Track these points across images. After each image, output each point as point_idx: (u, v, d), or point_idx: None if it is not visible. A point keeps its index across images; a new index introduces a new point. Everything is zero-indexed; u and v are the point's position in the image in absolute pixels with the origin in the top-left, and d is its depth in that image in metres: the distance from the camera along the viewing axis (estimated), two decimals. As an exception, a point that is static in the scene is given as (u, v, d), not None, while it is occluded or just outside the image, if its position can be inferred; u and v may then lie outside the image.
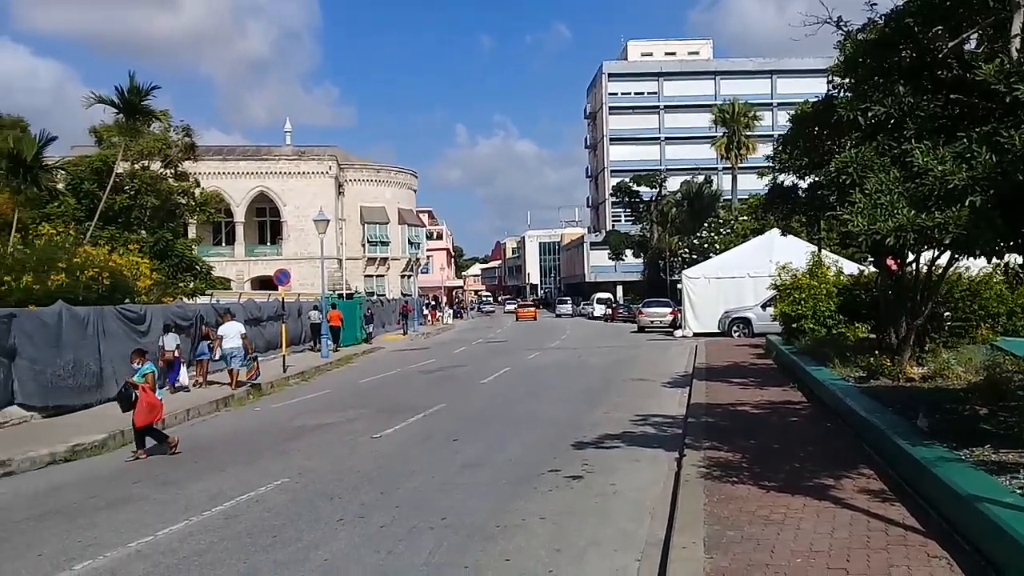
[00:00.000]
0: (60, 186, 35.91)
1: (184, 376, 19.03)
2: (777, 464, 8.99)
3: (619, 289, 78.45)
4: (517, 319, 65.54)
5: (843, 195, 7.42)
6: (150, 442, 12.19)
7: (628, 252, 72.85)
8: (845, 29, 9.13)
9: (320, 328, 29.41)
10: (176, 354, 18.65)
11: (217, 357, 19.70)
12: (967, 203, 5.96)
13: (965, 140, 6.08)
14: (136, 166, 37.67)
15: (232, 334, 19.38)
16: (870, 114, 7.52)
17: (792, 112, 14.98)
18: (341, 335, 32.18)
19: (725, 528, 6.78)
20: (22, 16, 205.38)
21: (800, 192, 14.21)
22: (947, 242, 6.60)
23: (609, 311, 59.02)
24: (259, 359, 21.06)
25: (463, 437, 12.42)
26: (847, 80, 10.15)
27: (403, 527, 7.68)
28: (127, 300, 21.14)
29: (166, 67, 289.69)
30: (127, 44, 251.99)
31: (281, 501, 8.89)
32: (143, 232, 36.49)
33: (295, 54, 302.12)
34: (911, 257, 14.29)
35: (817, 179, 13.20)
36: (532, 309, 70.63)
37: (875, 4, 9.13)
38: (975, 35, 7.00)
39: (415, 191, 71.72)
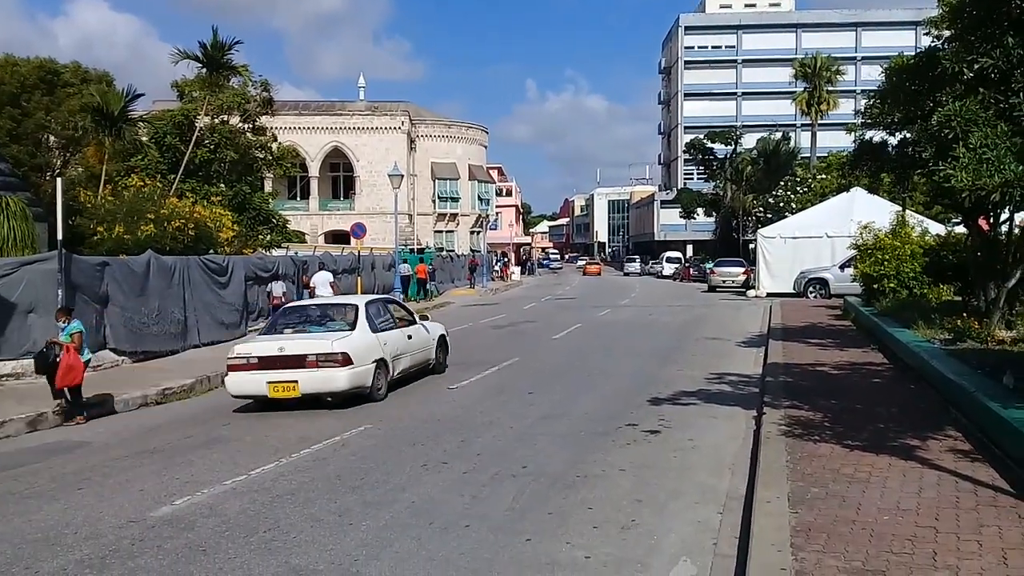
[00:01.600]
0: (144, 139, 36.95)
1: None
2: (860, 424, 8.86)
3: (689, 248, 77.40)
4: (584, 274, 70.41)
5: (944, 150, 7.17)
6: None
7: (700, 211, 71.66)
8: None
9: (409, 280, 32.53)
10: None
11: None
12: (1080, 158, 5.71)
13: (1080, 92, 5.81)
14: (216, 120, 38.47)
15: (323, 282, 21.32)
16: (976, 66, 7.22)
17: (884, 66, 14.44)
18: (421, 289, 32.79)
19: (809, 485, 6.73)
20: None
21: (890, 148, 13.75)
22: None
23: (681, 270, 58.35)
24: None
25: (538, 390, 12.55)
26: (948, 32, 9.76)
27: (485, 474, 7.84)
28: (210, 251, 21.81)
29: (239, 21, 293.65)
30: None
31: (366, 446, 9.16)
32: (222, 185, 37.38)
33: (366, 7, 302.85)
34: (1004, 217, 13.77)
35: (909, 135, 12.77)
36: (597, 266, 76.73)
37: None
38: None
39: (485, 147, 71.64)
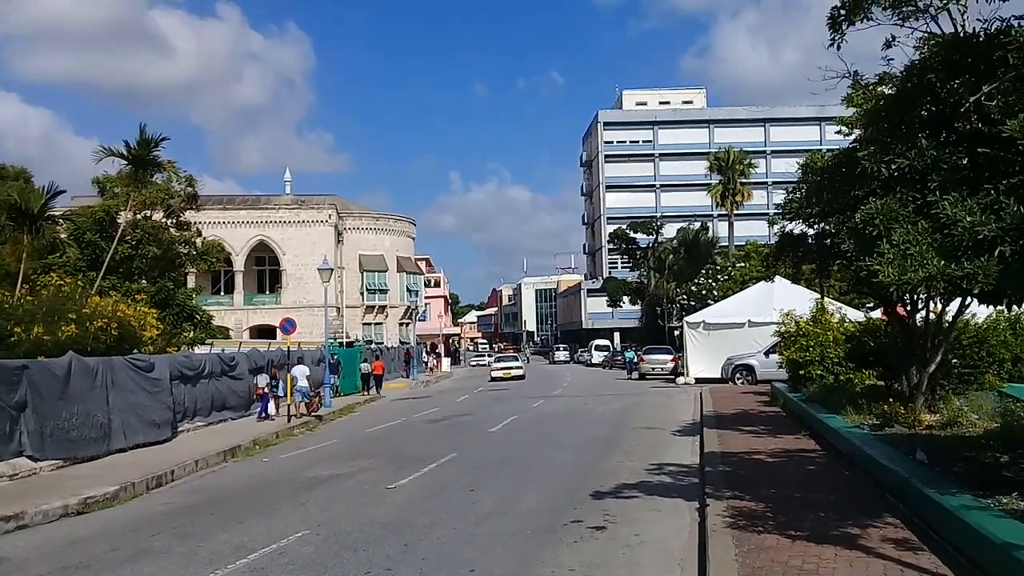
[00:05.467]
0: (63, 236, 36.00)
1: (271, 408, 23.61)
2: (801, 513, 8.98)
3: (616, 336, 78.47)
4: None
5: (869, 245, 7.54)
6: None
7: (625, 299, 73.04)
8: (863, 82, 9.36)
9: (369, 377, 35.49)
10: (266, 390, 23.60)
11: (282, 393, 24.35)
12: (996, 253, 6.09)
13: (992, 192, 6.24)
14: (139, 216, 37.83)
15: (300, 375, 24.04)
16: (894, 166, 7.68)
17: (799, 162, 15.21)
18: (341, 384, 32.28)
19: (760, 579, 6.76)
20: (11, 63, 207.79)
21: (810, 240, 14.36)
22: (976, 292, 6.72)
23: (610, 358, 58.91)
24: (322, 394, 26.57)
25: (479, 487, 12.36)
26: (860, 131, 10.38)
27: (432, 580, 7.63)
28: (134, 350, 21.12)
29: (158, 113, 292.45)
30: (118, 91, 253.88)
31: (305, 553, 8.83)
32: (144, 282, 36.50)
33: (289, 101, 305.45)
34: (921, 304, 14.43)
35: (827, 227, 13.39)
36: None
37: (892, 59, 9.43)
38: (994, 89, 7.20)
39: (413, 239, 72.08)
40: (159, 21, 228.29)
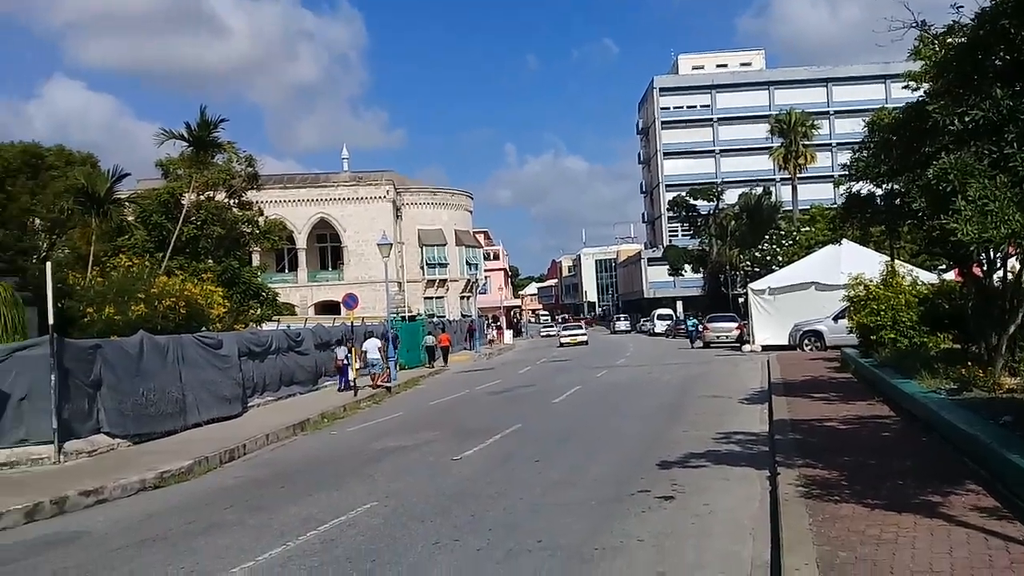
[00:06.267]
0: (130, 218, 36.96)
1: (351, 377, 24.38)
2: (878, 481, 8.71)
3: (679, 304, 77.66)
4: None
5: (942, 203, 7.21)
6: None
7: (687, 267, 72.16)
8: (930, 33, 8.91)
9: (434, 350, 36.24)
10: (345, 362, 24.45)
11: (358, 366, 25.32)
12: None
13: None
14: (202, 197, 38.59)
15: (372, 348, 25.36)
16: (967, 119, 7.29)
17: (866, 120, 14.67)
18: (405, 358, 32.76)
19: (836, 549, 6.56)
20: (74, 52, 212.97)
21: (878, 200, 13.88)
22: (1064, 247, 6.36)
23: (673, 327, 58.35)
24: (389, 367, 26.91)
25: (544, 458, 12.34)
26: (928, 85, 9.91)
27: (500, 550, 7.62)
28: (202, 328, 21.63)
29: (215, 95, 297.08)
30: (176, 75, 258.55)
31: (373, 524, 8.91)
32: (210, 261, 37.31)
33: (343, 78, 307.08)
34: (998, 264, 13.85)
35: (896, 187, 12.90)
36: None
37: (961, 7, 8.93)
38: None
39: (471, 212, 72.18)
40: (214, 3, 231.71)
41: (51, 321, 13.98)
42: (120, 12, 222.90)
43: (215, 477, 12.85)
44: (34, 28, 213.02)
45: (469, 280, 68.20)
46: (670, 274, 75.77)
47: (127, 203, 36.27)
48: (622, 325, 75.19)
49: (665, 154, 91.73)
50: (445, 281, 65.84)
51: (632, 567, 6.96)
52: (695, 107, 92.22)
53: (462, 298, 67.77)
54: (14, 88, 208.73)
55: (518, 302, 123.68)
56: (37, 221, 36.71)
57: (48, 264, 16.59)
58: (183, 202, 36.38)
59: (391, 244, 31.99)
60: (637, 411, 17.30)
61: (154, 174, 43.07)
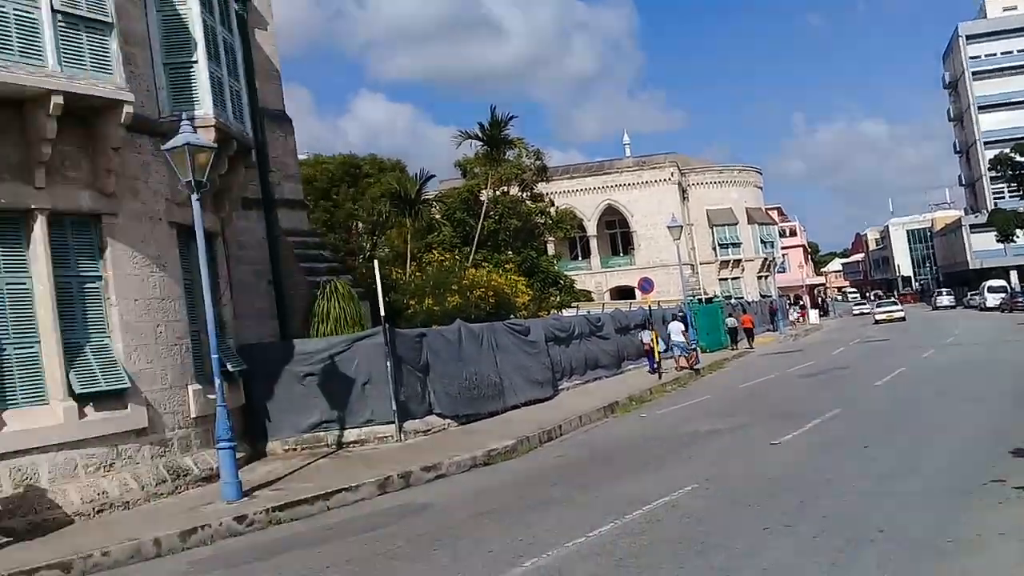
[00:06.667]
0: (437, 216, 40.14)
1: (656, 360, 24.57)
2: None
3: (1012, 275, 68.80)
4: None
5: None
6: None
7: (1019, 232, 63.68)
8: None
9: (736, 332, 35.99)
10: (651, 345, 24.61)
11: (661, 349, 24.96)
12: None
13: None
14: (497, 192, 40.87)
15: (675, 331, 25.45)
16: None
17: None
18: (706, 340, 32.30)
19: None
20: (375, 67, 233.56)
21: None
22: None
23: (1008, 300, 51.84)
24: (696, 350, 26.94)
25: (872, 444, 11.52)
26: None
27: (838, 538, 7.21)
28: (510, 316, 22.87)
29: (499, 95, 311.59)
30: (462, 79, 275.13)
31: (697, 507, 8.85)
32: (510, 252, 39.41)
33: (618, 64, 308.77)
34: None
35: None
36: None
37: None
38: None
39: (761, 188, 69.37)
40: (491, 7, 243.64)
41: (382, 313, 15.51)
42: (412, 26, 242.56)
43: (537, 456, 13.51)
44: (345, 50, 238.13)
45: (765, 259, 65.63)
46: (999, 241, 67.22)
47: (434, 203, 39.44)
48: (945, 300, 68.04)
49: (980, 108, 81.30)
50: (739, 261, 63.97)
51: (995, 563, 6.29)
52: (1011, 52, 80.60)
53: (759, 278, 65.43)
54: (329, 107, 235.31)
55: (821, 280, 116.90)
56: (359, 224, 41.15)
57: (376, 262, 18.49)
58: (481, 198, 38.75)
59: (681, 226, 31.66)
60: (974, 394, 15.57)
61: (452, 174, 46.42)
